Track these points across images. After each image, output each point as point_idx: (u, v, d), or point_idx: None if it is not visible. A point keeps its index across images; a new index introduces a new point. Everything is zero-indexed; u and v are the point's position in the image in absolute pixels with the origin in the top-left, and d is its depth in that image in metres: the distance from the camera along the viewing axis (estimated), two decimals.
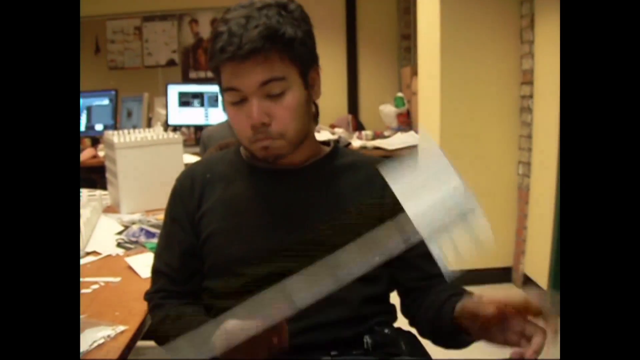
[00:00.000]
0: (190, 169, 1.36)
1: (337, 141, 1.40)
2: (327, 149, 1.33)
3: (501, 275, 3.75)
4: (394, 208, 1.02)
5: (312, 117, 1.27)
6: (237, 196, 1.27)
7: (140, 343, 1.32)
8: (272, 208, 1.25)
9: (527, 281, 3.64)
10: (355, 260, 0.88)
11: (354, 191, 1.26)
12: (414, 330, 1.28)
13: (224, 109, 1.26)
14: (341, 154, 1.33)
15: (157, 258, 1.32)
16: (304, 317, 1.15)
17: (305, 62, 1.20)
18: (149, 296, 1.30)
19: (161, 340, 1.21)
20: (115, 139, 2.33)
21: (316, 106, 1.30)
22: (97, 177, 4.04)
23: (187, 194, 1.30)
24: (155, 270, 1.32)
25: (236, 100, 1.18)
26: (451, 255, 0.87)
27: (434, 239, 0.87)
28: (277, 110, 1.17)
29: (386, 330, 1.22)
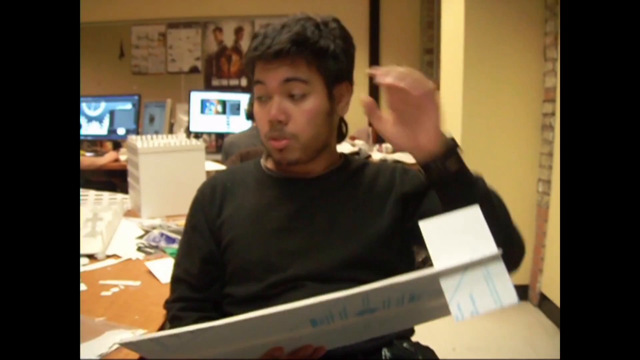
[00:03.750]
0: (212, 178, 1.41)
1: (357, 153, 1.44)
2: (340, 160, 1.37)
3: (517, 293, 3.71)
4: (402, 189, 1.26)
5: (333, 130, 1.31)
6: (256, 203, 1.30)
7: None
8: (290, 213, 1.27)
9: (544, 299, 3.61)
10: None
11: (366, 189, 1.30)
12: (432, 346, 1.28)
13: (247, 116, 1.30)
14: (352, 162, 1.38)
15: (177, 266, 1.35)
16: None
17: (333, 74, 1.25)
18: (168, 305, 1.33)
19: None
20: (139, 144, 2.35)
21: (345, 124, 1.36)
22: (118, 180, 4.08)
23: (207, 202, 1.33)
24: (174, 278, 1.34)
25: (262, 95, 1.25)
26: (465, 302, 0.86)
27: (449, 283, 0.87)
28: (295, 112, 1.22)
29: (405, 344, 1.22)
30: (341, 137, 1.37)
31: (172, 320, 1.29)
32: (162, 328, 1.32)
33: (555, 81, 3.51)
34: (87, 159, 4.32)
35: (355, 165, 1.36)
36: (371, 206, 1.27)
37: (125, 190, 2.77)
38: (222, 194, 1.33)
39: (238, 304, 1.24)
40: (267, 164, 1.37)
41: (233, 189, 1.34)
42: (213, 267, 1.29)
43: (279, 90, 1.22)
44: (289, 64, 1.20)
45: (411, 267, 1.29)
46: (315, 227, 1.25)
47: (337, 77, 1.26)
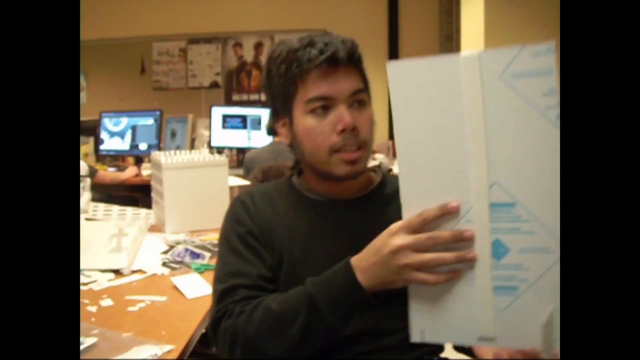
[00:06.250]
0: (243, 194, 1.32)
1: (379, 166, 1.40)
2: (377, 178, 1.32)
3: None
4: None
5: None
6: (296, 228, 1.24)
7: None
8: (327, 239, 1.22)
9: None
10: None
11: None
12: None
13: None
14: (389, 182, 1.31)
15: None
16: (352, 343, 1.16)
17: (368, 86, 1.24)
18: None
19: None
20: (163, 160, 2.37)
21: None
22: (140, 195, 4.11)
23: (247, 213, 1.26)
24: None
25: (318, 106, 1.17)
26: None
27: None
28: (361, 119, 1.18)
29: (435, 359, 1.21)
30: None
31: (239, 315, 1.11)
32: (189, 344, 1.33)
33: None
34: (109, 174, 4.36)
35: (393, 189, 1.26)
36: None
37: (146, 205, 2.79)
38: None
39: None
40: (303, 183, 1.30)
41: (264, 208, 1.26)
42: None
43: (347, 100, 1.17)
44: (353, 72, 1.19)
45: None
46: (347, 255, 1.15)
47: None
